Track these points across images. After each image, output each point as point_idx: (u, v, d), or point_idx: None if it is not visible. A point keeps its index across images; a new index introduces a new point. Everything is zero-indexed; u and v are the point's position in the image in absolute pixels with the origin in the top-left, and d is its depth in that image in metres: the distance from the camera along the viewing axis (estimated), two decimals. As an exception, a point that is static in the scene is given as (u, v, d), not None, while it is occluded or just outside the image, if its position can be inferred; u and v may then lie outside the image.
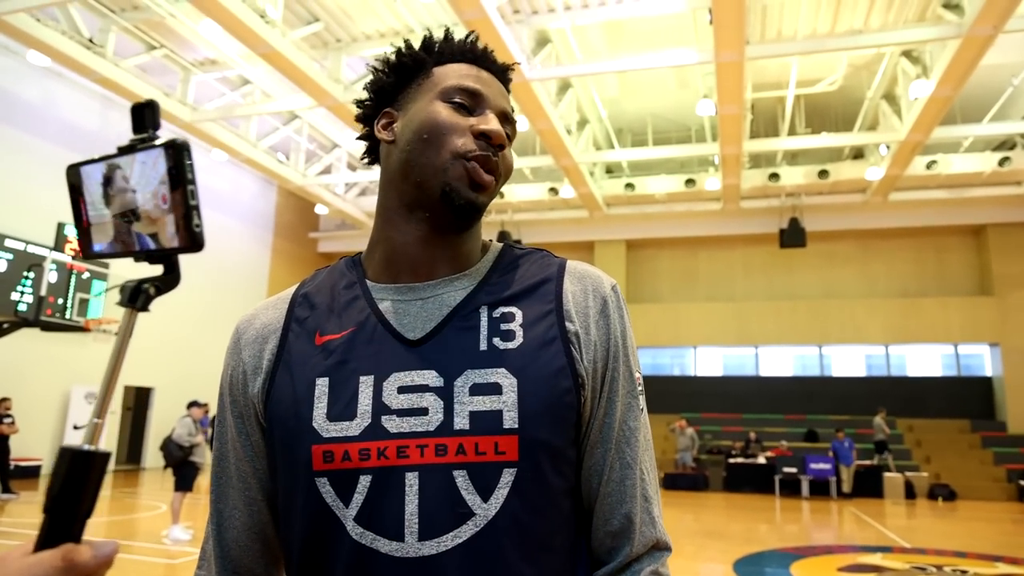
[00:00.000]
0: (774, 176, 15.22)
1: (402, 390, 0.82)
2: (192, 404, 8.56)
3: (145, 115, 0.68)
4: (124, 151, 0.68)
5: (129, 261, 0.69)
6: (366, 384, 0.83)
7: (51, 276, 11.51)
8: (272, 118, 14.97)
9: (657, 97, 14.57)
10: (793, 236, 15.42)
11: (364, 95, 0.97)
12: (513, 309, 0.87)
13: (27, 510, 9.86)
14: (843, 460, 14.57)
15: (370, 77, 0.98)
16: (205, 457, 8.50)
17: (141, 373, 15.34)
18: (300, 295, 0.93)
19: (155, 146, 0.65)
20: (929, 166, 14.26)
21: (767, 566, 7.71)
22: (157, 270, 0.67)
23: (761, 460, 15.26)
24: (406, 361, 0.83)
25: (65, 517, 0.59)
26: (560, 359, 0.83)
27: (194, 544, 7.69)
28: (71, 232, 11.76)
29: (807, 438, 16.69)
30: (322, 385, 0.83)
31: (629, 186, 16.36)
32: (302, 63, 10.80)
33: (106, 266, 12.66)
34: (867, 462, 14.99)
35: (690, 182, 15.83)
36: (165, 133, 0.66)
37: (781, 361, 18.75)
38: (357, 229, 20.50)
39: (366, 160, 0.99)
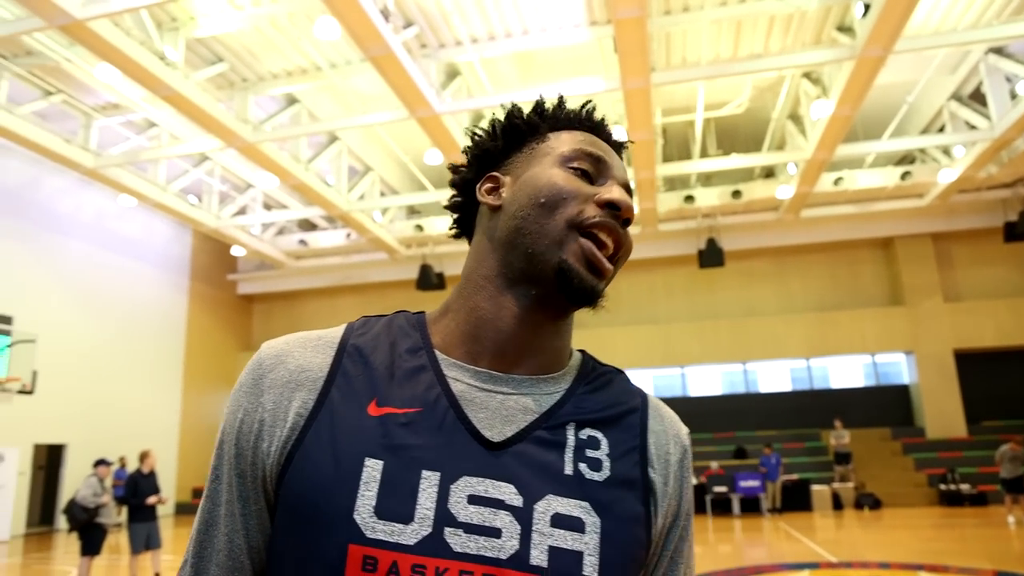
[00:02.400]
0: (689, 198, 15.39)
1: (473, 500, 0.68)
2: (99, 463, 8.16)
3: None
4: None
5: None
6: (429, 482, 0.68)
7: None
8: (182, 160, 14.39)
9: None
10: (711, 256, 15.60)
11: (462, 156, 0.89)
12: (599, 434, 0.76)
13: None
14: (770, 476, 14.68)
15: (470, 142, 0.89)
16: (112, 518, 8.02)
17: (52, 430, 14.60)
18: (351, 344, 0.76)
19: None
20: (836, 182, 14.64)
21: (695, 599, 7.54)
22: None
23: (692, 481, 15.21)
24: (481, 465, 0.70)
25: None
26: (639, 507, 0.74)
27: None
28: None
29: (736, 455, 16.79)
30: (373, 468, 0.68)
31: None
32: (207, 105, 10.44)
33: (9, 321, 11.95)
34: (794, 476, 15.15)
35: (609, 206, 15.80)
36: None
37: (708, 380, 18.92)
38: (276, 269, 19.96)
39: (454, 232, 0.90)
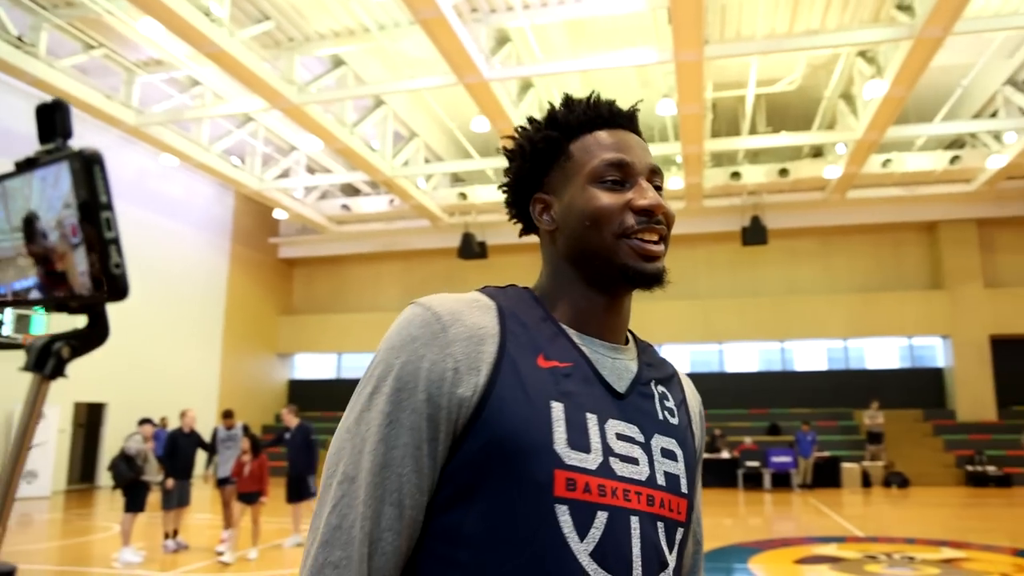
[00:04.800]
0: (736, 175, 15.39)
1: (619, 437, 0.87)
2: (143, 421, 8.34)
3: (55, 119, 0.52)
4: (24, 166, 0.52)
5: None
6: (593, 422, 0.85)
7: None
8: (225, 121, 14.47)
9: (620, 96, 13.96)
10: (755, 234, 15.62)
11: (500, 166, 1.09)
12: (666, 391, 0.98)
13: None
14: (803, 452, 14.86)
15: (505, 165, 1.02)
16: (155, 476, 8.18)
17: (92, 388, 14.65)
18: (504, 308, 0.90)
19: (60, 158, 0.50)
20: (884, 164, 14.56)
21: (728, 561, 7.85)
22: (73, 321, 0.51)
23: (725, 455, 15.46)
24: (617, 411, 0.89)
25: None
26: (693, 444, 0.99)
27: (146, 567, 7.50)
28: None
29: (770, 431, 16.98)
30: (558, 409, 0.83)
31: (590, 185, 16.35)
32: (252, 64, 10.41)
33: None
34: (825, 454, 15.32)
35: (653, 181, 15.84)
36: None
37: (745, 357, 19.03)
38: (318, 234, 20.09)
39: (520, 230, 1.05)
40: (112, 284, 0.51)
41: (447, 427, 0.81)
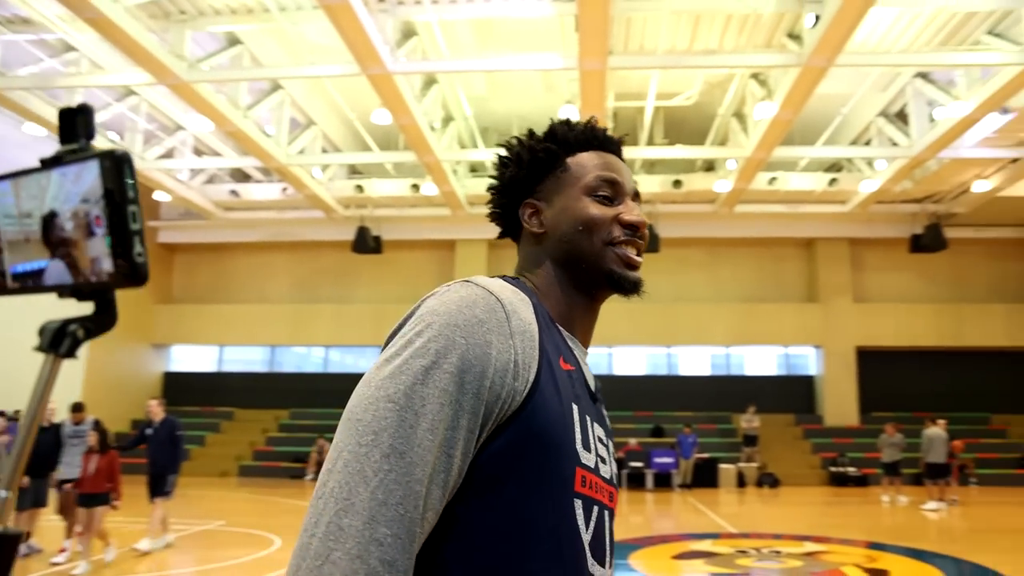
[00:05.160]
0: (632, 183, 15.74)
1: (598, 439, 0.95)
2: None
3: (77, 122, 0.58)
4: (48, 164, 0.57)
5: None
6: (588, 425, 0.92)
7: None
8: (103, 92, 13.28)
9: (524, 99, 14.64)
10: (648, 242, 16.03)
11: (486, 183, 1.11)
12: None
13: None
14: (684, 454, 15.49)
15: (497, 171, 1.09)
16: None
17: None
18: (535, 304, 0.93)
19: (86, 157, 0.56)
20: (771, 182, 15.34)
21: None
22: (81, 307, 0.56)
23: (611, 456, 15.86)
24: (595, 414, 0.97)
25: None
26: None
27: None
28: None
29: (653, 433, 17.56)
30: (575, 411, 0.90)
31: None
32: (137, 34, 9.64)
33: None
34: (704, 455, 16.01)
35: (553, 184, 16.00)
36: None
37: (633, 361, 19.59)
38: (204, 219, 18.80)
39: (499, 233, 1.12)
40: (135, 271, 0.57)
41: (497, 416, 0.82)
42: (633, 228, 1.02)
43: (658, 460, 15.55)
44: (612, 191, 1.03)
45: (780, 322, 18.36)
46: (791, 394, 18.77)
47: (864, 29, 10.58)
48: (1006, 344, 17.86)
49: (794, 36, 10.69)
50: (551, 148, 1.05)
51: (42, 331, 0.56)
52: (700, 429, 16.90)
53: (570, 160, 1.05)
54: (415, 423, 0.76)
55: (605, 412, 1.05)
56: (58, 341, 0.56)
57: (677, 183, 15.63)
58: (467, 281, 0.88)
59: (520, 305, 0.89)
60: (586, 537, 0.87)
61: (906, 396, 17.96)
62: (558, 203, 1.03)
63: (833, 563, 7.65)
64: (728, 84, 13.39)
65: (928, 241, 16.05)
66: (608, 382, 18.62)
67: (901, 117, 13.77)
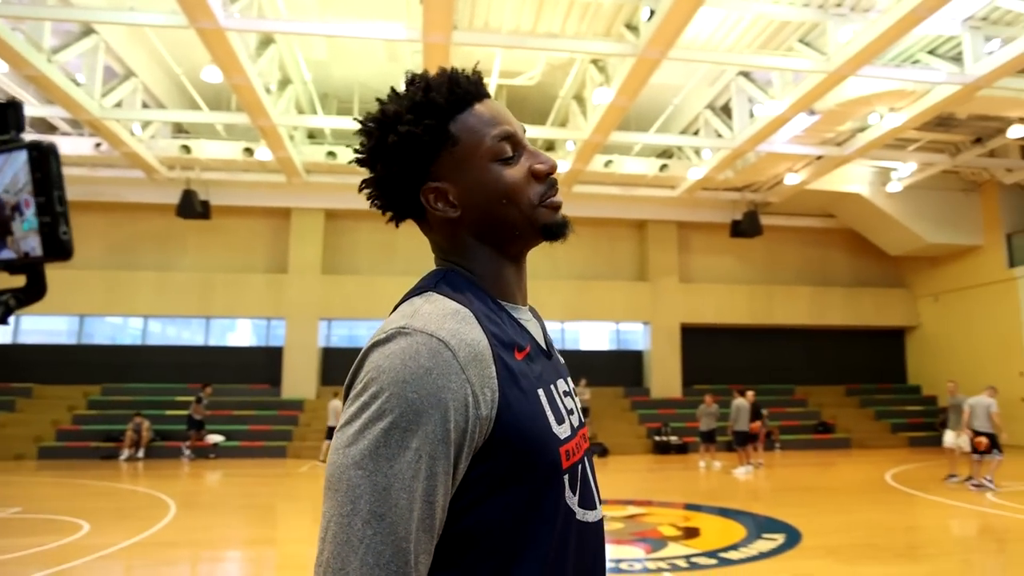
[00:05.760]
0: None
1: (564, 395, 0.99)
2: None
3: (8, 115, 0.65)
4: None
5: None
6: (554, 392, 0.96)
7: None
8: None
9: (366, 66, 14.15)
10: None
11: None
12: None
13: None
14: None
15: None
16: None
17: None
18: (476, 311, 0.91)
19: (17, 147, 0.63)
20: (607, 164, 15.94)
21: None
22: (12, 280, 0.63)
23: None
24: (555, 372, 1.01)
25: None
26: None
27: None
28: None
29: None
30: (543, 396, 0.92)
31: (331, 154, 15.69)
32: None
33: None
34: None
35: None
36: None
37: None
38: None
39: (390, 217, 1.04)
40: (62, 247, 0.62)
41: (470, 447, 0.83)
42: (548, 175, 1.00)
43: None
44: (512, 145, 0.98)
45: (612, 299, 19.31)
46: (622, 368, 19.86)
47: (695, 26, 11.21)
48: (809, 323, 19.95)
49: (631, 27, 11.08)
50: (430, 124, 0.94)
51: None
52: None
53: (455, 130, 0.95)
54: (388, 485, 0.78)
55: (560, 358, 1.08)
56: None
57: (518, 162, 15.81)
58: (401, 331, 0.85)
59: (463, 328, 0.87)
60: (575, 499, 0.92)
61: (724, 369, 19.60)
62: (463, 181, 0.96)
63: (651, 524, 8.22)
64: (569, 68, 13.70)
65: (746, 227, 17.47)
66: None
67: (726, 111, 14.79)
